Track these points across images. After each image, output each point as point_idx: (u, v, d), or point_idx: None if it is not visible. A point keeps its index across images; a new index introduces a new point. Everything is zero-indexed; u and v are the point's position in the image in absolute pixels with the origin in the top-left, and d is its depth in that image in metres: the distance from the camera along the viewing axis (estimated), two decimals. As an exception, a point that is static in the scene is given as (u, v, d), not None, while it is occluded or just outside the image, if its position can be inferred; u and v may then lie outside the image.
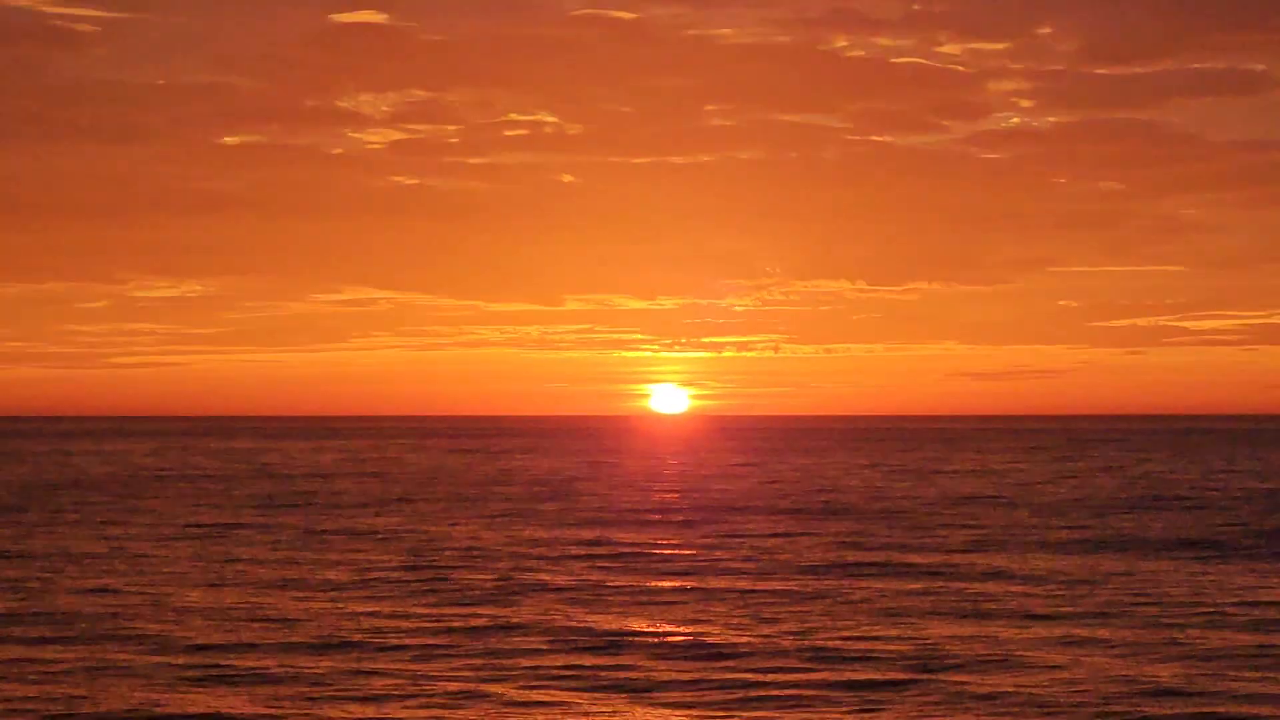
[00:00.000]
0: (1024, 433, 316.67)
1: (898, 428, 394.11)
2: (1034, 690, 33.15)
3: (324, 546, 66.29)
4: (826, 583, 52.44)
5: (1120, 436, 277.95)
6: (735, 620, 43.58)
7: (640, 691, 33.62)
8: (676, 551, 63.89)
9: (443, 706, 31.93)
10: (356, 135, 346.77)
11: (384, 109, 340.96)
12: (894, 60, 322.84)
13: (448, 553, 63.26)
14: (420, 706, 32.22)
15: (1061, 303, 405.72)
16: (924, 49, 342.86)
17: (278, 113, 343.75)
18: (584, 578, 54.15)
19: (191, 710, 31.96)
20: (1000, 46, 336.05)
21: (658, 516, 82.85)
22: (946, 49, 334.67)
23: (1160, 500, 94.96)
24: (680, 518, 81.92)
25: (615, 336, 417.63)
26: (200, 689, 34.14)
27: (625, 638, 40.54)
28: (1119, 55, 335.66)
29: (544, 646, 39.30)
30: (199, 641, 40.21)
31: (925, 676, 34.91)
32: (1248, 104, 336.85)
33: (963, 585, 51.75)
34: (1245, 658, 37.30)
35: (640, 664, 36.82)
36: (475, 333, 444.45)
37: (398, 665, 36.89)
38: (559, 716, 31.28)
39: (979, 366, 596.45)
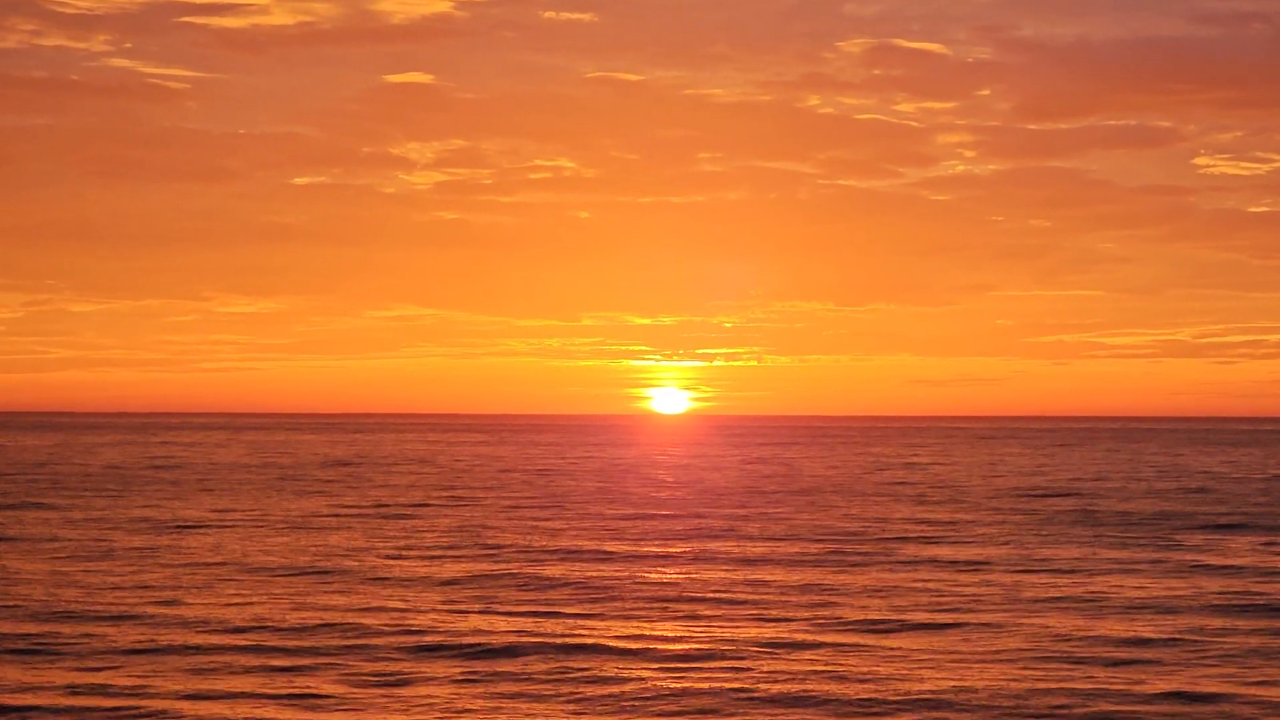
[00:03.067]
0: (961, 431, 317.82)
1: (860, 427, 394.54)
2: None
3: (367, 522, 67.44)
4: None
5: (1035, 434, 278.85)
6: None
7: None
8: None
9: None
10: (406, 177, 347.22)
11: (429, 155, 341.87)
12: (857, 116, 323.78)
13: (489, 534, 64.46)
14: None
15: (998, 321, 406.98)
16: (883, 107, 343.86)
17: (339, 158, 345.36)
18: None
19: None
20: (947, 105, 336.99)
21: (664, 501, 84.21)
22: (901, 107, 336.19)
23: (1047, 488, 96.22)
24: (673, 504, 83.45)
25: (624, 348, 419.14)
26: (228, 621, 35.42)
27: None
28: (1047, 113, 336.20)
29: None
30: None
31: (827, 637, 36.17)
32: (1155, 154, 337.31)
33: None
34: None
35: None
36: (505, 344, 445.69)
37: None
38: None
39: (929, 375, 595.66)
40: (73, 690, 27.80)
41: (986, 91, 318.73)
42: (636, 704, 26.88)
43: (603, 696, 27.48)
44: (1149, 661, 30.97)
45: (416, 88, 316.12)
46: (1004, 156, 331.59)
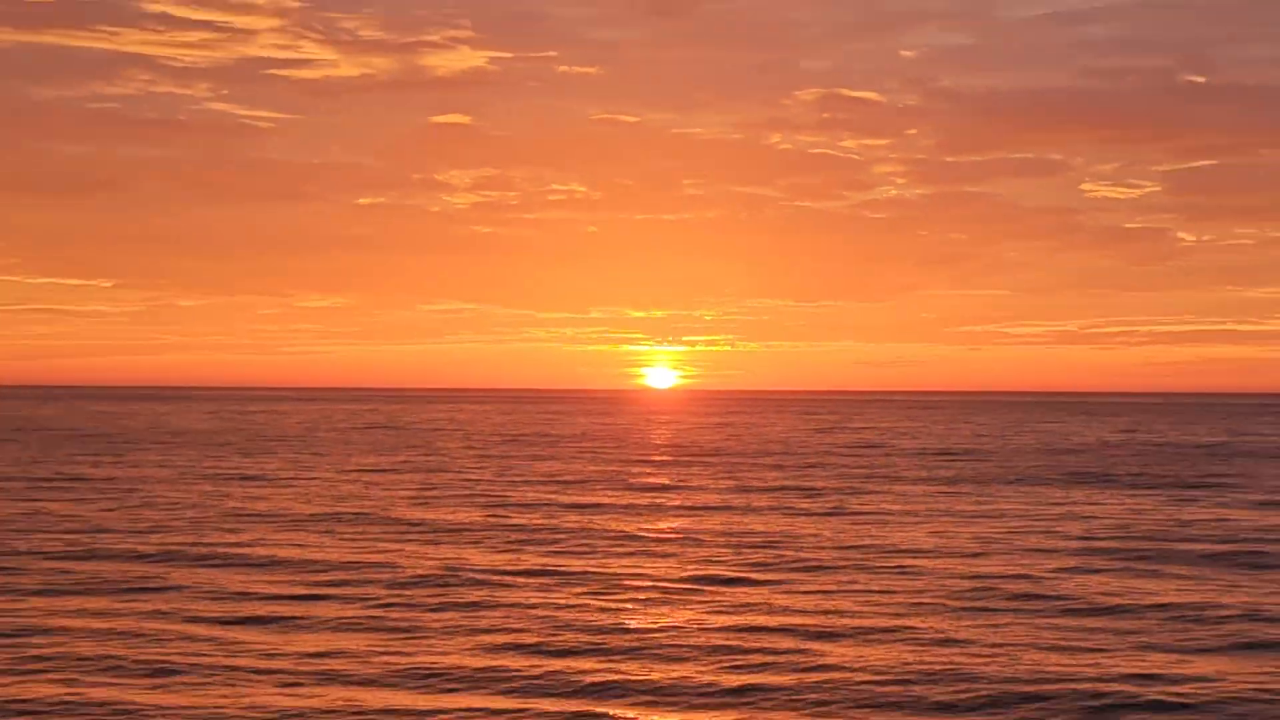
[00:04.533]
0: (896, 403, 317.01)
1: (814, 400, 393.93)
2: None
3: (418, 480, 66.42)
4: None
5: (953, 406, 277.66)
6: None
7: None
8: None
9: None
10: (448, 198, 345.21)
11: (467, 180, 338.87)
12: (810, 151, 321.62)
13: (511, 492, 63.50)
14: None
15: (924, 315, 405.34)
16: (831, 143, 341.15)
17: (394, 182, 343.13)
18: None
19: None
20: (883, 142, 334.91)
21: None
22: (846, 143, 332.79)
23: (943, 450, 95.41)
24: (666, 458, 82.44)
25: (624, 335, 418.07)
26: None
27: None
28: (963, 148, 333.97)
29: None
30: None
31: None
32: (1049, 182, 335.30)
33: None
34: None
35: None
36: (529, 333, 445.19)
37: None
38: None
39: (870, 358, 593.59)
40: (105, 615, 27.09)
41: (914, 131, 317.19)
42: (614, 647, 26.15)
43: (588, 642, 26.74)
44: (1036, 611, 30.28)
45: (457, 127, 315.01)
46: (929, 183, 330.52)
